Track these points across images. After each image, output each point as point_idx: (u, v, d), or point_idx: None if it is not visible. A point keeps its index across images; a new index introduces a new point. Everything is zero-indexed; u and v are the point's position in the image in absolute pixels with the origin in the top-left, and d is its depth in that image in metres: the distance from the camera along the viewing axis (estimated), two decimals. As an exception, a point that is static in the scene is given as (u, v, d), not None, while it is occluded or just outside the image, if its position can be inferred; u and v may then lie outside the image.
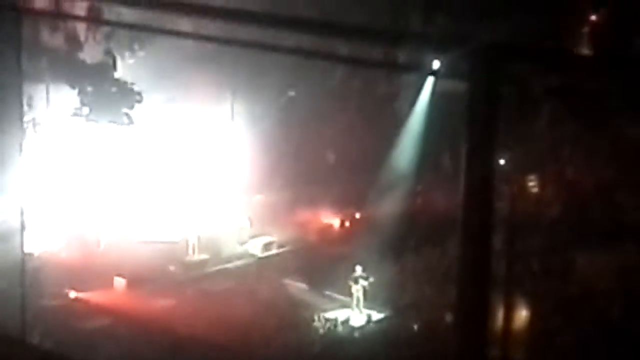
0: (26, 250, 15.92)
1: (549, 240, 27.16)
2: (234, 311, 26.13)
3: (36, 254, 27.47)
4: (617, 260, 25.53)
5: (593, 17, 31.14)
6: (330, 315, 26.30)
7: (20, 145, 10.54)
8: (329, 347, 24.93)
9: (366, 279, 26.61)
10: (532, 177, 29.21)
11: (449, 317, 23.00)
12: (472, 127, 6.71)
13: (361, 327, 26.11)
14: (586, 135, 29.34)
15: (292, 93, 35.38)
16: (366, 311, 26.50)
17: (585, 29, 31.06)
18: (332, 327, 25.87)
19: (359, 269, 26.72)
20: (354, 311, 26.48)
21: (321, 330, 25.71)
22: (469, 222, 6.72)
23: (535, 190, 29.30)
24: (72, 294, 26.60)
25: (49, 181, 30.66)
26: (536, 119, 28.11)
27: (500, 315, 19.88)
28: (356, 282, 26.67)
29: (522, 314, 25.08)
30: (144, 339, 24.34)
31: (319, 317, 26.14)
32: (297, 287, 28.12)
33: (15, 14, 9.86)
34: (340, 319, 26.15)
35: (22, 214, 11.75)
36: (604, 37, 29.79)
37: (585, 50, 29.79)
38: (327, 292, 27.52)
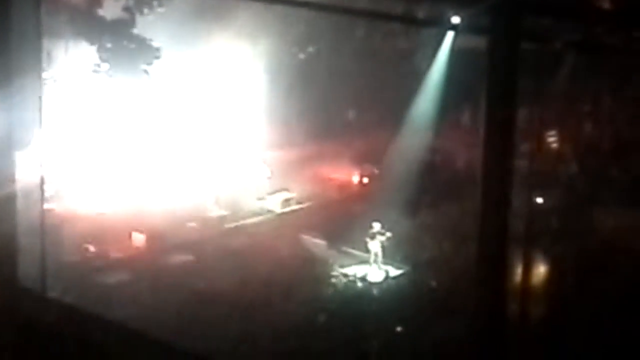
0: (46, 206, 15.98)
1: (568, 198, 27.09)
2: (252, 267, 26.24)
3: (56, 209, 27.61)
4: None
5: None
6: (348, 270, 26.38)
7: (40, 100, 10.54)
8: (347, 302, 25.01)
9: (384, 234, 26.64)
10: (552, 133, 29.08)
11: (467, 273, 23.03)
12: (492, 82, 6.67)
13: (379, 283, 26.17)
14: (607, 91, 29.14)
15: (310, 49, 35.23)
16: (384, 267, 26.56)
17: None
18: (350, 283, 25.96)
19: (376, 225, 26.74)
20: (371, 267, 26.54)
21: (339, 286, 25.80)
22: (488, 177, 6.69)
23: (555, 146, 29.18)
24: (91, 249, 26.75)
25: (68, 137, 30.75)
26: (557, 74, 27.91)
27: (518, 271, 19.90)
28: (373, 238, 26.70)
29: (541, 271, 25.08)
30: (162, 294, 24.51)
31: (337, 272, 26.24)
32: (316, 243, 28.18)
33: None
34: (359, 274, 26.23)
35: (41, 169, 11.79)
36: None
37: (606, 5, 29.47)
38: (345, 248, 27.57)
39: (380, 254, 26.57)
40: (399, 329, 22.91)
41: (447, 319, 22.24)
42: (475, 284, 6.99)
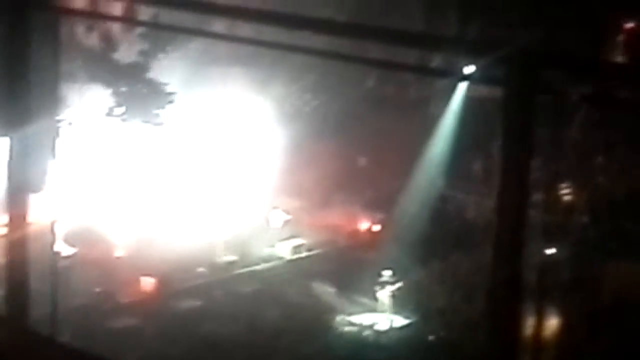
0: (56, 249, 16.01)
1: (581, 249, 26.98)
2: (260, 313, 26.18)
3: (66, 253, 27.64)
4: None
5: (629, 25, 30.94)
6: (356, 319, 26.27)
7: (54, 143, 10.60)
8: (355, 351, 24.89)
9: (394, 284, 26.54)
10: (566, 184, 29.05)
11: (477, 325, 22.92)
12: (507, 134, 6.69)
13: (387, 332, 26.05)
14: (620, 144, 29.15)
15: (322, 97, 35.38)
16: (393, 316, 26.43)
17: (620, 37, 30.87)
18: (358, 332, 25.84)
19: (386, 274, 26.66)
20: (381, 316, 26.42)
21: (347, 335, 25.68)
22: (502, 226, 6.68)
23: (569, 198, 29.13)
24: (101, 293, 26.73)
25: (81, 180, 30.85)
26: (571, 127, 27.97)
27: (531, 323, 19.75)
28: (383, 287, 26.61)
29: (552, 323, 24.91)
30: (171, 338, 24.44)
31: (345, 321, 26.13)
32: (325, 290, 28.10)
33: (52, 13, 9.94)
34: (367, 323, 26.11)
35: (54, 212, 11.81)
36: (638, 46, 29.58)
37: (620, 59, 29.59)
38: (355, 296, 27.48)
39: (389, 303, 26.45)
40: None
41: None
42: (485, 336, 6.94)
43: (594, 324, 24.41)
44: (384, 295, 26.47)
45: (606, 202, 28.97)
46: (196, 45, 32.29)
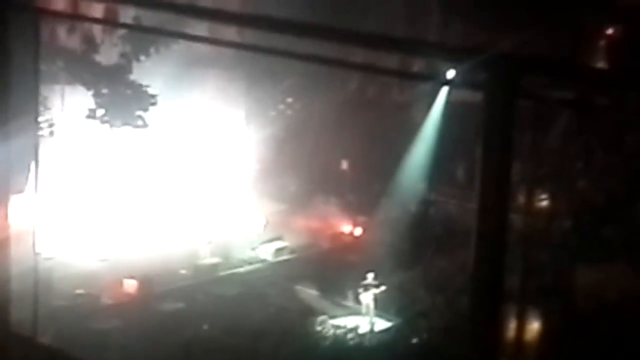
0: (38, 251, 15.95)
1: (560, 254, 27.11)
2: (242, 316, 26.16)
3: (48, 255, 27.54)
4: (630, 275, 25.45)
5: (609, 31, 31.13)
6: (339, 322, 26.29)
7: (35, 145, 10.58)
8: (337, 354, 24.91)
9: (377, 287, 26.58)
10: (545, 189, 29.18)
11: (459, 327, 23.01)
12: (487, 138, 6.73)
13: (370, 335, 26.07)
14: (600, 149, 29.30)
15: (304, 100, 35.37)
16: (376, 319, 26.46)
17: (602, 43, 31.05)
18: (340, 335, 25.85)
19: (369, 277, 26.70)
20: (363, 319, 26.45)
21: (329, 337, 25.69)
22: (482, 230, 6.73)
23: (549, 202, 29.26)
24: (83, 295, 26.65)
25: (63, 182, 30.75)
26: (551, 132, 28.09)
27: (512, 327, 19.88)
28: (366, 289, 26.64)
29: (534, 326, 25.03)
30: (153, 341, 24.39)
31: (328, 323, 26.14)
32: (307, 293, 28.12)
33: (33, 15, 9.93)
34: (349, 326, 26.13)
35: (35, 215, 11.79)
36: (619, 51, 29.77)
37: (601, 64, 29.75)
38: (337, 299, 27.52)
39: (372, 306, 26.49)
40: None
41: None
42: (466, 339, 6.99)
43: (573, 326, 24.52)
44: (367, 298, 26.50)
45: (586, 206, 29.11)
46: (178, 47, 32.25)
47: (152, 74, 32.64)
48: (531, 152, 25.51)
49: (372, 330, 26.10)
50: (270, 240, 31.44)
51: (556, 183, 29.06)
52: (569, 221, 28.53)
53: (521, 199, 26.43)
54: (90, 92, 32.11)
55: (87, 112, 31.97)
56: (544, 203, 29.17)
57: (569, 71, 7.37)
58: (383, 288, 26.50)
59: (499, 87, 6.78)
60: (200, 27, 22.50)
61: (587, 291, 25.81)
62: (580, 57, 29.04)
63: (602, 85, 7.58)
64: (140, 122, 32.41)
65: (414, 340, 25.35)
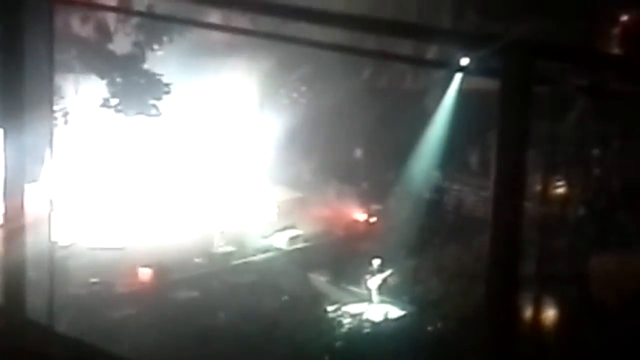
0: (53, 239, 16.02)
1: (577, 241, 27.04)
2: (257, 303, 26.23)
3: (63, 243, 27.64)
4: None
5: (624, 18, 30.98)
6: (349, 308, 26.33)
7: (50, 133, 10.59)
8: (350, 342, 24.94)
9: (382, 271, 26.65)
10: (561, 176, 29.09)
11: (474, 315, 22.98)
12: (503, 125, 6.69)
13: (384, 323, 26.09)
14: (616, 135, 29.19)
15: (317, 88, 35.32)
16: (385, 306, 26.47)
17: (616, 30, 30.91)
18: (353, 323, 25.89)
19: (376, 263, 26.76)
20: (371, 305, 26.49)
21: (343, 325, 25.74)
22: (498, 217, 6.69)
23: (564, 190, 29.17)
24: (98, 284, 26.74)
25: (77, 171, 30.84)
26: (567, 119, 28.00)
27: (529, 314, 19.84)
28: (373, 275, 26.73)
29: (550, 315, 24.98)
30: (168, 329, 24.47)
31: (341, 311, 26.19)
32: (321, 281, 28.17)
33: (47, 3, 9.91)
34: (364, 313, 26.17)
35: (50, 203, 11.82)
36: (635, 38, 29.63)
37: (616, 51, 29.62)
38: (351, 287, 27.54)
39: (378, 292, 26.53)
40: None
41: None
42: (484, 327, 6.96)
43: (590, 315, 24.47)
44: (374, 283, 26.56)
45: (602, 193, 29.02)
46: (192, 36, 32.23)
47: (166, 63, 32.64)
48: (547, 139, 25.42)
49: (386, 318, 26.12)
50: (284, 229, 31.46)
51: (572, 169, 28.97)
52: (585, 208, 28.45)
53: (537, 186, 26.34)
54: (104, 81, 32.15)
55: (101, 101, 32.02)
56: (560, 190, 29.09)
57: (584, 57, 7.32)
58: (390, 272, 26.55)
59: (515, 73, 6.74)
60: (214, 15, 22.53)
61: (604, 278, 25.75)
62: (595, 45, 28.91)
63: (618, 71, 7.53)
64: (154, 111, 32.43)
65: (429, 328, 25.34)
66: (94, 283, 26.66)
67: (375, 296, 26.56)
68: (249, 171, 33.75)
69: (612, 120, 28.89)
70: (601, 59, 7.90)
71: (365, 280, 26.74)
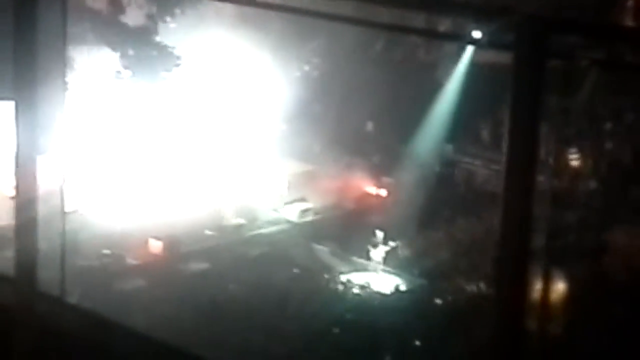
0: (66, 210, 16.06)
1: (588, 214, 27.01)
2: (267, 275, 26.33)
3: (74, 215, 27.73)
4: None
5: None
6: (355, 278, 26.49)
7: (62, 105, 10.58)
8: (359, 314, 25.04)
9: (386, 244, 26.80)
10: (574, 150, 29.04)
11: (483, 289, 23.02)
12: (516, 99, 6.65)
13: (394, 295, 26.20)
14: (629, 109, 29.07)
15: (330, 60, 35.22)
16: (398, 279, 26.59)
17: (630, 3, 30.72)
18: (363, 294, 26.01)
19: (379, 235, 26.92)
20: (377, 275, 26.68)
21: (352, 297, 25.87)
22: (510, 191, 6.67)
23: (577, 163, 29.13)
24: (109, 256, 26.84)
25: (89, 143, 30.89)
26: (580, 93, 27.89)
27: (538, 288, 19.83)
28: (375, 247, 26.90)
29: (560, 288, 25.00)
30: (179, 300, 24.57)
31: (351, 283, 26.31)
32: (331, 253, 28.25)
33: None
34: (364, 282, 26.34)
35: (62, 174, 11.83)
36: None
37: (630, 24, 29.45)
38: (362, 260, 27.64)
39: (382, 262, 26.74)
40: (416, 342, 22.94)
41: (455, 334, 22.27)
42: (493, 301, 6.96)
43: (601, 289, 24.46)
44: (377, 255, 26.78)
45: (614, 167, 28.95)
46: (204, 8, 32.18)
47: (178, 35, 32.62)
48: (560, 113, 25.33)
49: (396, 290, 26.22)
50: (295, 202, 31.51)
51: (585, 143, 28.90)
52: (597, 182, 28.40)
53: (549, 159, 26.30)
54: (117, 53, 32.16)
55: (113, 73, 32.05)
56: (574, 164, 29.03)
57: (598, 31, 7.26)
58: (394, 244, 26.70)
59: (529, 47, 6.70)
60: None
61: (616, 251, 25.75)
62: (609, 18, 28.75)
63: (632, 44, 7.47)
64: (166, 83, 32.45)
65: (438, 301, 25.41)
66: (105, 255, 26.75)
67: (378, 267, 26.73)
68: (260, 144, 33.75)
69: (626, 94, 28.77)
70: (616, 32, 7.84)
71: (368, 252, 26.90)
